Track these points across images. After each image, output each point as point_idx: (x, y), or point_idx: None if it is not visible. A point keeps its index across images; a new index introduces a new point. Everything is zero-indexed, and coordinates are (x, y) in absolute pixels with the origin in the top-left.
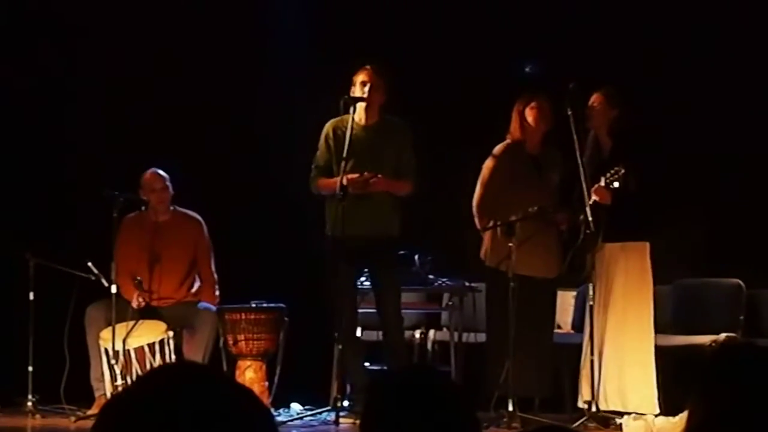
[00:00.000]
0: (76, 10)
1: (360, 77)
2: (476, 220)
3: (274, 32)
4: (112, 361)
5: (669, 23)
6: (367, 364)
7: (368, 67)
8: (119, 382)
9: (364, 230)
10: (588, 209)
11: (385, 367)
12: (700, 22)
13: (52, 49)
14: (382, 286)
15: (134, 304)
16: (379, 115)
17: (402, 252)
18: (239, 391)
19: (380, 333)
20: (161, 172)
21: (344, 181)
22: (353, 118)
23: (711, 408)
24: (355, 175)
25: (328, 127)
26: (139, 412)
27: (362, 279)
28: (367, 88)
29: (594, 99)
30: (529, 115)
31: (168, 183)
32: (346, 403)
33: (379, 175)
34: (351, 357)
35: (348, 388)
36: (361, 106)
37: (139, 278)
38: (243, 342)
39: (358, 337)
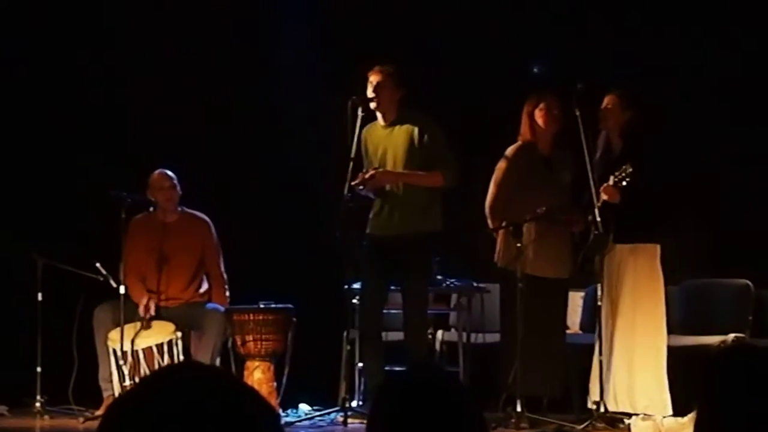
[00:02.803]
0: (82, 12)
1: (371, 77)
2: (489, 221)
3: (281, 31)
4: (121, 362)
5: (674, 24)
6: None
7: (377, 66)
8: (127, 382)
9: (394, 229)
10: (597, 210)
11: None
12: (704, 23)
13: (59, 50)
14: (408, 288)
15: (141, 311)
16: (396, 111)
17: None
18: (245, 392)
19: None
20: (169, 172)
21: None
22: (360, 120)
23: (717, 410)
24: (357, 179)
25: (363, 134)
26: (145, 412)
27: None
28: (373, 88)
29: (607, 101)
30: (539, 117)
31: (176, 182)
32: (354, 404)
33: (380, 169)
34: (371, 358)
35: (362, 387)
36: (374, 106)
37: (154, 291)
38: (251, 342)
39: (380, 340)
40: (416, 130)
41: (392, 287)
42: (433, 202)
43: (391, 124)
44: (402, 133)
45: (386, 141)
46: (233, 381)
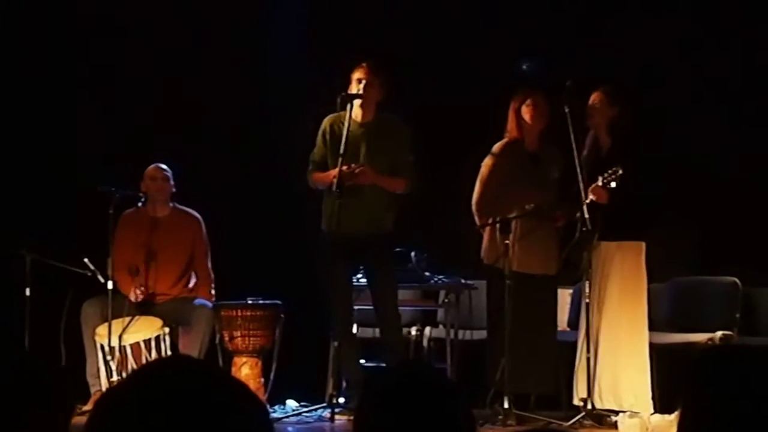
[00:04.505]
0: (78, 7)
1: (356, 74)
2: (476, 218)
3: (274, 29)
4: (108, 358)
5: (665, 21)
6: (363, 361)
7: (364, 64)
8: (115, 378)
9: (358, 227)
10: (584, 207)
11: (382, 365)
12: (696, 22)
13: (51, 46)
14: (377, 284)
15: (132, 297)
16: (375, 112)
17: (398, 249)
18: (234, 385)
19: (377, 330)
20: (163, 165)
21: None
22: (350, 115)
23: (701, 409)
24: (344, 168)
25: (325, 122)
26: (134, 406)
27: (358, 276)
28: (362, 85)
29: (594, 97)
30: (526, 113)
31: (169, 175)
32: (341, 400)
33: (365, 166)
34: (347, 353)
35: (344, 384)
36: (357, 102)
37: (136, 267)
38: (239, 338)
39: (354, 334)
40: (393, 136)
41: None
42: (395, 203)
43: (367, 123)
44: (379, 137)
45: (360, 139)
46: (222, 375)
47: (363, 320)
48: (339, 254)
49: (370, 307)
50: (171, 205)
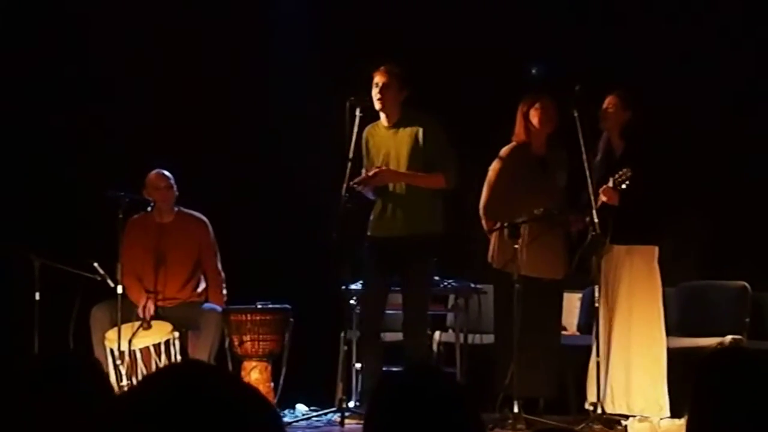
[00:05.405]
0: (79, 10)
1: (374, 79)
2: (483, 222)
3: (278, 31)
4: (118, 362)
5: (673, 26)
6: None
7: (382, 67)
8: (125, 382)
9: (398, 230)
10: (594, 211)
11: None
12: (703, 25)
13: (56, 49)
14: (406, 288)
15: (140, 313)
16: (399, 113)
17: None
18: (245, 390)
19: (387, 334)
20: (165, 172)
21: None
22: (358, 121)
23: (708, 412)
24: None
25: (364, 133)
26: (145, 412)
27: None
28: (377, 89)
29: (608, 102)
30: (534, 117)
31: (172, 182)
32: (351, 404)
33: (383, 167)
34: (369, 358)
35: (358, 387)
36: (378, 106)
37: (151, 291)
38: (248, 343)
39: (379, 341)
40: (420, 131)
41: (392, 288)
42: (436, 203)
43: (394, 125)
44: (406, 134)
45: (390, 142)
46: (233, 379)
47: (390, 325)
48: (377, 260)
49: (394, 311)
50: (176, 209)
